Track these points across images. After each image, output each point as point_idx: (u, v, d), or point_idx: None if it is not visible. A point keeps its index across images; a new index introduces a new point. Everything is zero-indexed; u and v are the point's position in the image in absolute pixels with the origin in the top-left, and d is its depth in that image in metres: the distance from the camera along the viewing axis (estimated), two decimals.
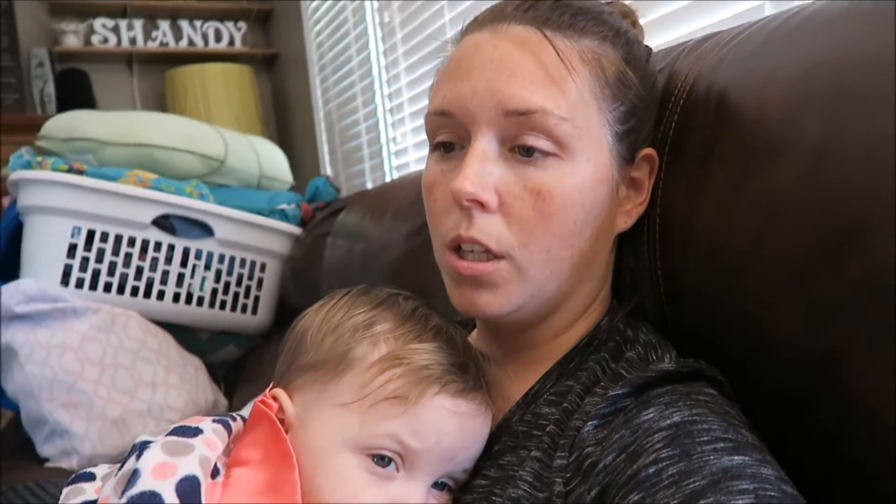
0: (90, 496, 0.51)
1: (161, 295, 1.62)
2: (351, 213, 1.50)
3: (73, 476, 0.54)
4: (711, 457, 0.41)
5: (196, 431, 0.49)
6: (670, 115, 0.60)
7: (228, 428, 0.52)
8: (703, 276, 0.55)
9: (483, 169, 0.52)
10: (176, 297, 1.64)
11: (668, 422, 0.44)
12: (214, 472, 0.47)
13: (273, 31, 3.31)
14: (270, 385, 0.56)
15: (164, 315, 1.63)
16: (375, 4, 2.22)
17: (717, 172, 0.54)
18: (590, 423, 0.48)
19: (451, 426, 0.50)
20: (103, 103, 2.96)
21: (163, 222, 1.61)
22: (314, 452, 0.50)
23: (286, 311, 1.81)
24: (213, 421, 0.51)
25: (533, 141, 0.51)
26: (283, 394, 0.54)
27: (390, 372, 0.50)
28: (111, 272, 1.56)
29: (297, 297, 1.72)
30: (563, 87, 0.52)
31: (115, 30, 3.05)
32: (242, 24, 3.24)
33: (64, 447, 1.38)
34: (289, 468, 0.48)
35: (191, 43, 3.15)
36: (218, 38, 3.20)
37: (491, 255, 0.52)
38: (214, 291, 1.69)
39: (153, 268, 1.61)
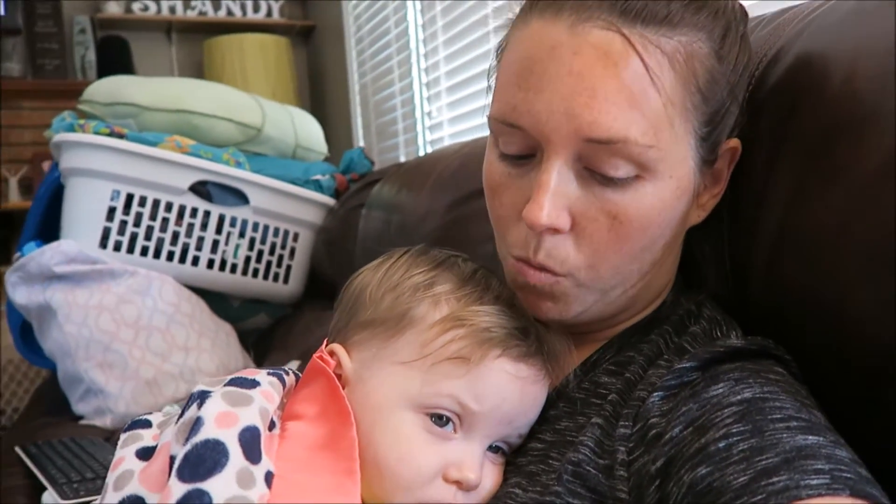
0: (148, 442, 0.51)
1: (196, 261, 1.64)
2: (387, 186, 1.50)
3: (129, 423, 0.54)
4: (785, 434, 0.40)
5: (253, 383, 0.49)
6: (743, 87, 0.57)
7: (283, 381, 0.52)
8: (775, 250, 0.53)
9: (559, 196, 0.49)
10: (210, 264, 1.66)
11: (739, 397, 0.43)
12: (271, 426, 0.48)
13: (311, 3, 3.30)
14: (324, 341, 0.56)
15: (198, 281, 1.65)
16: None
17: (796, 146, 0.52)
18: (655, 394, 0.47)
19: (512, 390, 0.50)
20: (142, 71, 2.98)
21: (199, 188, 1.62)
22: (372, 409, 0.50)
23: (317, 282, 1.82)
24: (268, 374, 0.51)
25: (613, 170, 0.48)
26: (341, 349, 0.54)
27: (453, 332, 0.49)
28: (148, 236, 1.57)
29: (329, 268, 1.72)
30: (647, 107, 0.47)
31: None
32: None
33: (98, 406, 1.40)
34: (347, 424, 0.48)
35: (229, 13, 3.15)
36: (256, 8, 3.20)
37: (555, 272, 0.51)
38: (248, 259, 1.70)
39: (189, 234, 1.62)
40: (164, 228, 1.59)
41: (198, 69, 3.13)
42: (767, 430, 0.41)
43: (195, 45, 3.13)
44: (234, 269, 1.69)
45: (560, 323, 0.54)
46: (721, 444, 0.41)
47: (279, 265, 1.76)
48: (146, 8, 3.05)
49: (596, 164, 0.48)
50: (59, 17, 2.89)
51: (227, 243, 1.67)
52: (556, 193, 0.49)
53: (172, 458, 0.45)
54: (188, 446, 0.43)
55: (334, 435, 0.48)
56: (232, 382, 0.49)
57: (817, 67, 0.52)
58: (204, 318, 1.59)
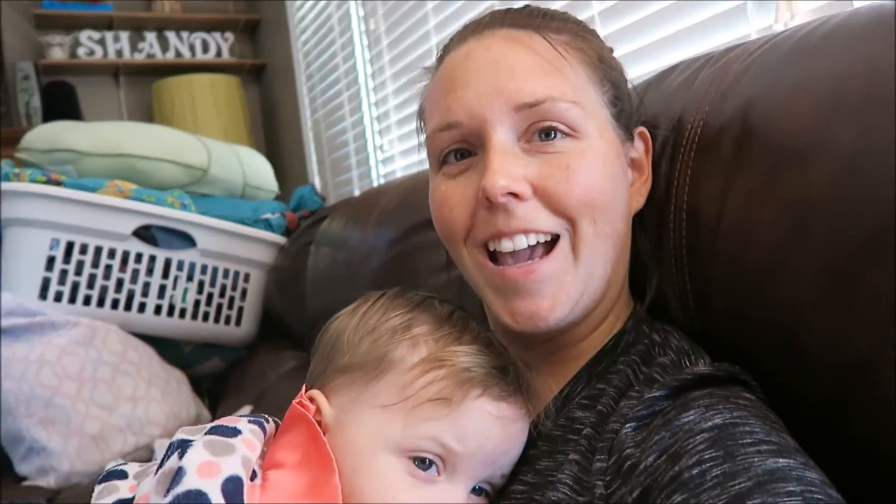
0: (125, 494, 0.50)
1: (142, 307, 1.59)
2: (334, 221, 1.48)
3: (104, 473, 0.53)
4: (756, 459, 0.41)
5: (235, 431, 0.48)
6: (695, 121, 0.60)
7: (264, 429, 0.51)
8: (730, 282, 0.55)
9: (509, 161, 0.52)
10: (158, 310, 1.61)
11: (710, 423, 0.44)
12: (252, 475, 0.47)
13: (260, 42, 3.30)
14: (304, 388, 0.55)
15: (145, 328, 1.60)
16: (361, 12, 2.21)
17: (745, 176, 0.54)
18: (628, 425, 0.48)
19: (494, 430, 0.50)
20: (90, 116, 2.93)
21: (144, 233, 1.58)
22: (354, 454, 0.49)
23: (271, 322, 1.79)
24: (249, 422, 0.51)
25: (550, 132, 0.53)
26: (320, 395, 0.53)
27: (433, 373, 0.49)
28: (91, 285, 1.53)
29: (282, 308, 1.69)
30: (563, 73, 0.53)
31: (101, 42, 3.04)
32: (230, 35, 3.22)
33: (41, 465, 1.34)
34: (329, 471, 0.47)
35: (178, 54, 3.13)
36: (205, 48, 3.18)
37: (541, 240, 0.52)
38: (197, 303, 1.67)
39: (134, 280, 1.58)
40: (107, 276, 1.54)
41: (147, 112, 3.09)
42: (739, 455, 0.41)
43: (144, 87, 3.09)
44: (183, 313, 1.65)
45: (558, 326, 0.54)
46: (695, 471, 0.41)
47: (230, 307, 1.73)
48: (92, 52, 3.01)
49: (533, 129, 0.53)
50: (2, 64, 2.83)
51: (174, 288, 1.63)
52: (505, 160, 0.51)
53: None
54: (169, 497, 0.42)
55: (317, 482, 0.47)
56: (213, 431, 0.48)
57: (761, 106, 0.54)
58: (153, 366, 1.54)
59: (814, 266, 0.48)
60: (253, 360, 1.73)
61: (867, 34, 0.49)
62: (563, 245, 0.53)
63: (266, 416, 0.54)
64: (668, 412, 0.47)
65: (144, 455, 1.40)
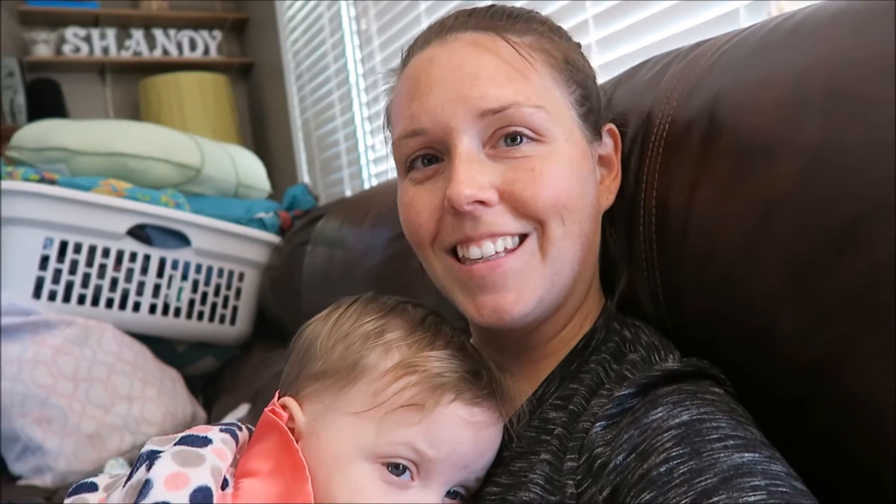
0: None
1: (137, 306, 1.59)
2: (330, 221, 1.49)
3: (74, 486, 0.52)
4: (722, 454, 0.41)
5: (205, 441, 0.48)
6: (664, 119, 0.60)
7: (235, 438, 0.51)
8: (700, 277, 0.55)
9: (474, 169, 0.52)
10: (152, 309, 1.61)
11: (677, 420, 0.44)
12: (223, 484, 0.46)
13: (249, 40, 3.29)
14: (276, 395, 0.55)
15: (140, 327, 1.60)
16: (352, 12, 2.21)
17: (712, 172, 0.54)
18: (598, 424, 0.48)
19: (467, 434, 0.50)
20: (75, 113, 2.91)
21: (138, 232, 1.58)
22: (327, 462, 0.49)
23: (265, 321, 1.79)
24: (221, 430, 0.50)
25: (515, 137, 0.53)
26: (293, 403, 0.52)
27: (405, 379, 0.49)
28: (85, 284, 1.52)
29: (277, 307, 1.70)
30: (528, 77, 0.53)
31: (87, 39, 3.00)
32: (217, 33, 3.20)
33: (37, 464, 1.34)
34: (302, 480, 0.47)
35: (165, 52, 3.11)
36: (193, 46, 3.16)
37: (508, 245, 0.52)
38: (192, 302, 1.67)
39: (128, 279, 1.57)
40: (101, 275, 1.54)
41: (134, 110, 3.06)
42: (705, 451, 0.42)
43: (130, 85, 3.07)
44: (177, 312, 1.65)
45: (523, 320, 0.54)
46: (662, 469, 0.42)
47: (225, 306, 1.73)
48: (77, 49, 2.98)
49: (498, 135, 0.52)
50: None
51: (169, 287, 1.63)
52: (470, 168, 0.51)
53: None
54: None
55: (289, 491, 0.47)
56: (183, 441, 0.47)
57: (727, 100, 0.54)
58: (148, 366, 1.54)
59: (781, 260, 0.48)
60: (247, 359, 1.74)
61: (831, 30, 0.49)
62: (531, 242, 0.53)
63: (240, 423, 0.54)
64: (637, 410, 0.47)
65: None
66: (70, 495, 0.51)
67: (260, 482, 0.48)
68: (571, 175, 0.53)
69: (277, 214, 1.81)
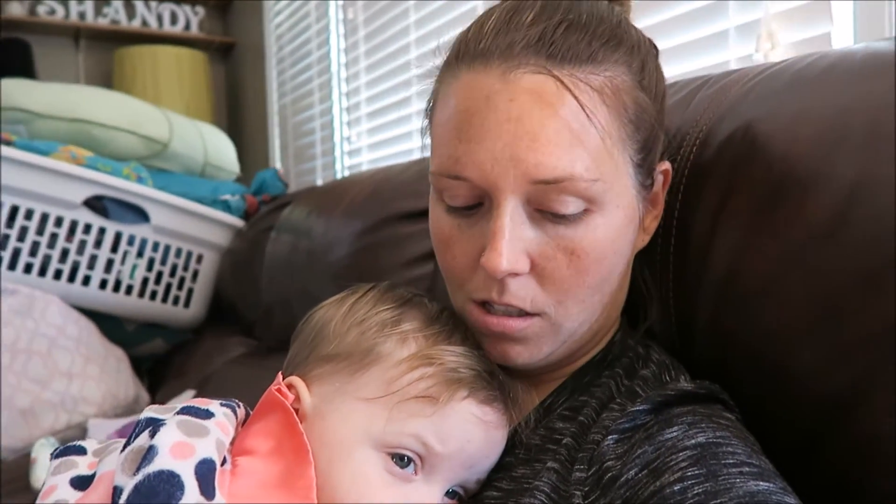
0: (83, 471, 0.48)
1: (87, 280, 1.53)
2: (298, 209, 1.44)
3: (60, 448, 0.50)
4: (738, 480, 0.41)
5: (208, 414, 0.47)
6: (692, 142, 0.59)
7: (235, 413, 0.50)
8: (719, 304, 0.55)
9: (515, 235, 0.49)
10: (103, 284, 1.55)
11: (693, 441, 0.44)
12: (222, 461, 0.44)
13: (231, 20, 3.22)
14: (279, 375, 0.54)
15: (88, 302, 1.54)
16: (340, 1, 2.17)
17: (741, 199, 0.54)
18: (609, 437, 0.48)
19: (477, 433, 0.49)
20: (45, 77, 2.80)
21: (95, 204, 1.52)
22: (331, 445, 0.48)
23: (221, 307, 1.74)
24: (221, 405, 0.49)
25: (563, 207, 0.49)
26: (300, 382, 0.52)
27: (421, 370, 0.48)
28: (33, 253, 1.46)
29: (234, 293, 1.65)
30: (587, 143, 0.48)
31: (64, 2, 2.92)
32: (200, 10, 3.13)
33: None
34: (304, 463, 0.46)
35: (144, 23, 3.03)
36: (174, 20, 3.09)
37: (524, 312, 0.51)
38: (145, 280, 1.61)
39: (80, 251, 1.51)
40: (52, 244, 1.48)
41: (106, 79, 2.97)
42: (721, 475, 0.42)
43: (105, 53, 2.98)
44: (129, 290, 1.59)
45: (527, 367, 0.54)
46: (676, 487, 0.42)
47: (180, 288, 1.67)
48: (53, 11, 2.89)
49: (546, 203, 0.49)
50: None
51: (123, 263, 1.57)
52: (512, 238, 0.49)
53: (116, 489, 0.41)
54: (139, 476, 0.40)
55: (290, 473, 0.46)
56: (185, 411, 0.46)
57: (762, 129, 0.54)
58: (92, 342, 1.48)
59: (806, 295, 0.48)
60: (199, 344, 1.68)
61: (867, 72, 0.50)
62: (545, 318, 0.52)
63: (237, 401, 0.52)
64: (650, 427, 0.47)
65: (76, 434, 1.34)
66: (57, 457, 0.49)
67: (259, 461, 0.47)
68: (610, 250, 0.51)
69: (244, 198, 1.76)
